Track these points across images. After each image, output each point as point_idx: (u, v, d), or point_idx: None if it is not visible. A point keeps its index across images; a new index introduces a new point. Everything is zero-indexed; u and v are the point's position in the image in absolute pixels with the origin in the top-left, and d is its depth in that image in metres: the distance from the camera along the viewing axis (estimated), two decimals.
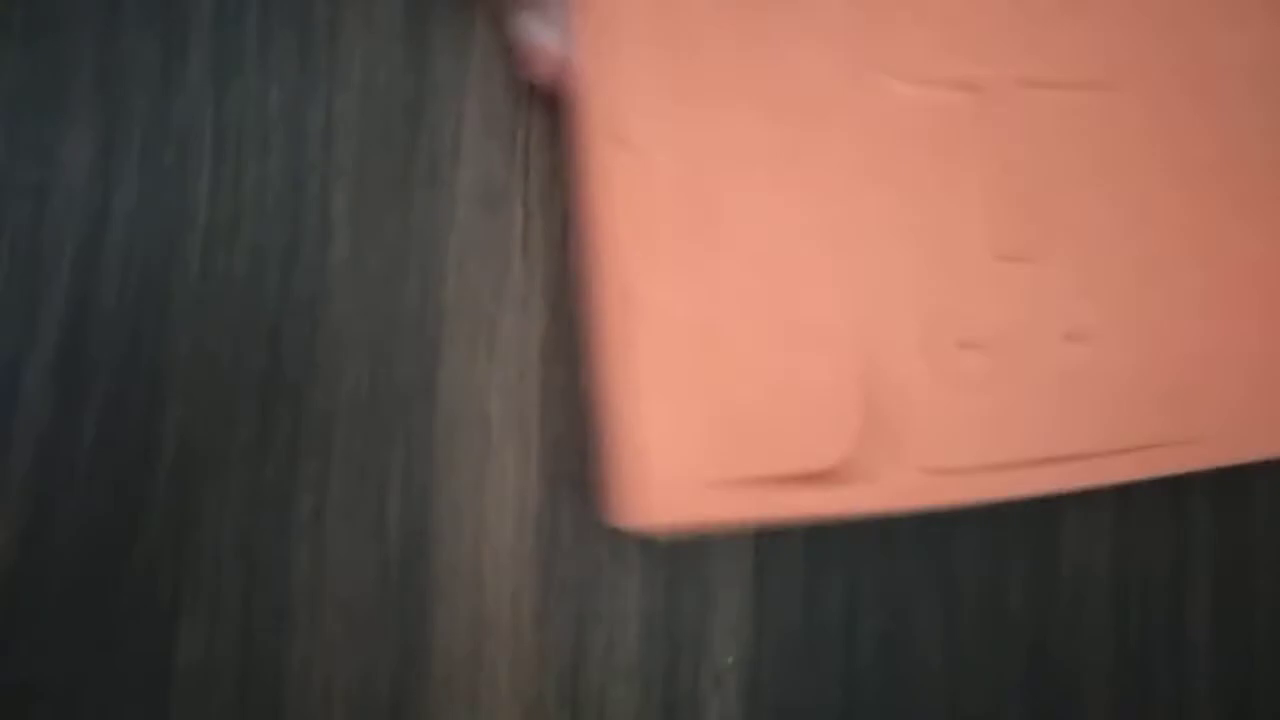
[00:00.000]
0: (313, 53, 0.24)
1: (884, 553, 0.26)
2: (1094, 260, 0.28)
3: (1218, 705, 0.27)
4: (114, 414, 0.22)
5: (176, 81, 0.23)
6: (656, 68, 0.24)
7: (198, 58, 0.23)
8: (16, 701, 0.22)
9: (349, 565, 0.23)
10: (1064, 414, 0.27)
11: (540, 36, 0.23)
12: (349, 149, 0.24)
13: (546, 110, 0.25)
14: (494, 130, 0.24)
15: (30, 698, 0.22)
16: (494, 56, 0.24)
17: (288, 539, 0.23)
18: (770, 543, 0.25)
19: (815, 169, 0.25)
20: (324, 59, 0.24)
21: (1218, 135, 0.29)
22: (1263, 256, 0.29)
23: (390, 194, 0.24)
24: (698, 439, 0.24)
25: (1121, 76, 0.28)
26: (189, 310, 0.23)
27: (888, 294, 0.26)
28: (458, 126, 0.25)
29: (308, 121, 0.24)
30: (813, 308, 0.25)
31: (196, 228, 0.23)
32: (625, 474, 0.23)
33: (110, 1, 0.23)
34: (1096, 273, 0.27)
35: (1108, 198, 0.28)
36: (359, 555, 0.23)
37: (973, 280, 0.26)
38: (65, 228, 0.22)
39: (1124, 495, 0.28)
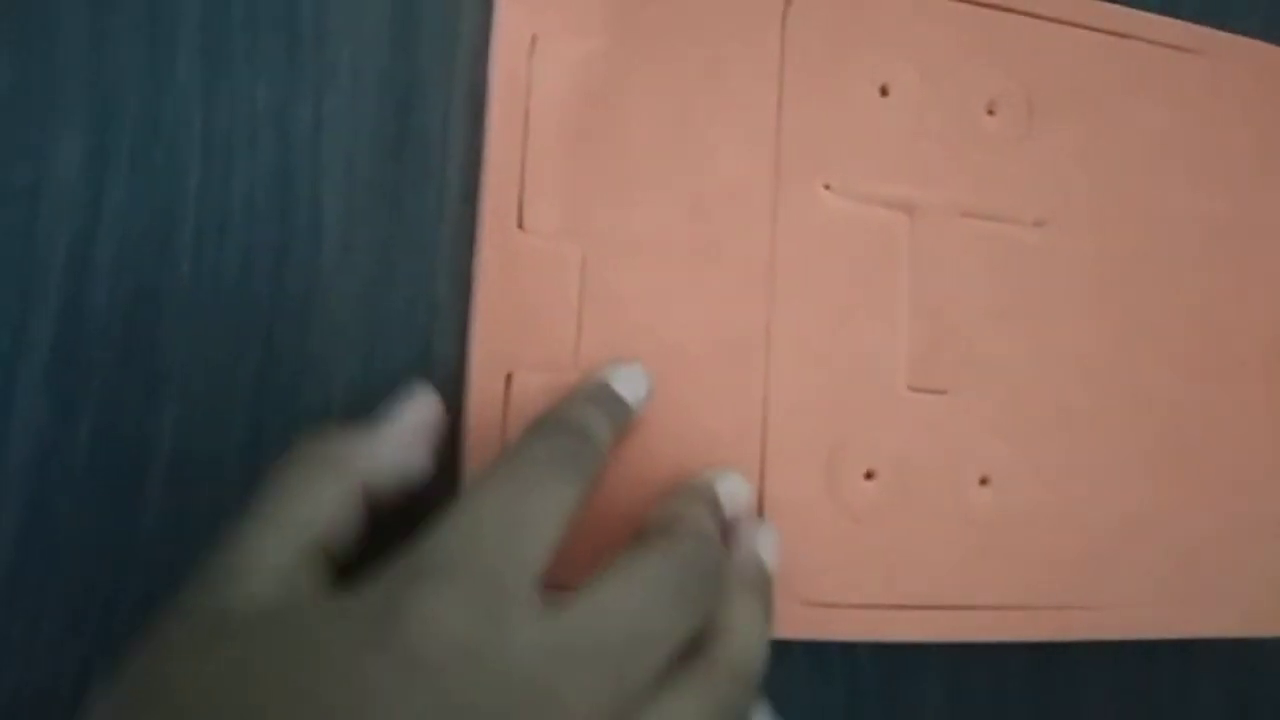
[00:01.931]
0: (300, 51, 0.24)
1: None
2: (1012, 401, 0.26)
3: None
4: (109, 413, 0.22)
5: (165, 82, 0.23)
6: (567, 154, 0.23)
7: (186, 58, 0.23)
8: (14, 704, 0.21)
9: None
10: (963, 560, 0.25)
11: None
12: (338, 146, 0.24)
13: None
14: (483, 124, 0.24)
15: (29, 700, 0.21)
16: (481, 51, 0.24)
17: None
18: None
19: (732, 272, 0.24)
20: (311, 57, 0.24)
21: (1163, 291, 0.28)
22: (1195, 422, 0.27)
23: (380, 190, 0.24)
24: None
25: (1065, 217, 0.27)
26: (181, 309, 0.23)
27: (795, 411, 0.24)
28: (446, 121, 0.24)
29: (296, 119, 0.24)
30: (711, 417, 0.24)
31: (187, 227, 0.23)
32: None
33: (99, 4, 0.23)
34: (1014, 415, 0.26)
35: (1034, 339, 0.26)
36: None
37: (885, 407, 0.25)
38: (57, 229, 0.22)
39: None
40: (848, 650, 0.26)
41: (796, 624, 0.24)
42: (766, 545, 0.22)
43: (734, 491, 0.22)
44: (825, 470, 0.25)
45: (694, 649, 0.18)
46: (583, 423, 0.20)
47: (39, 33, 0.22)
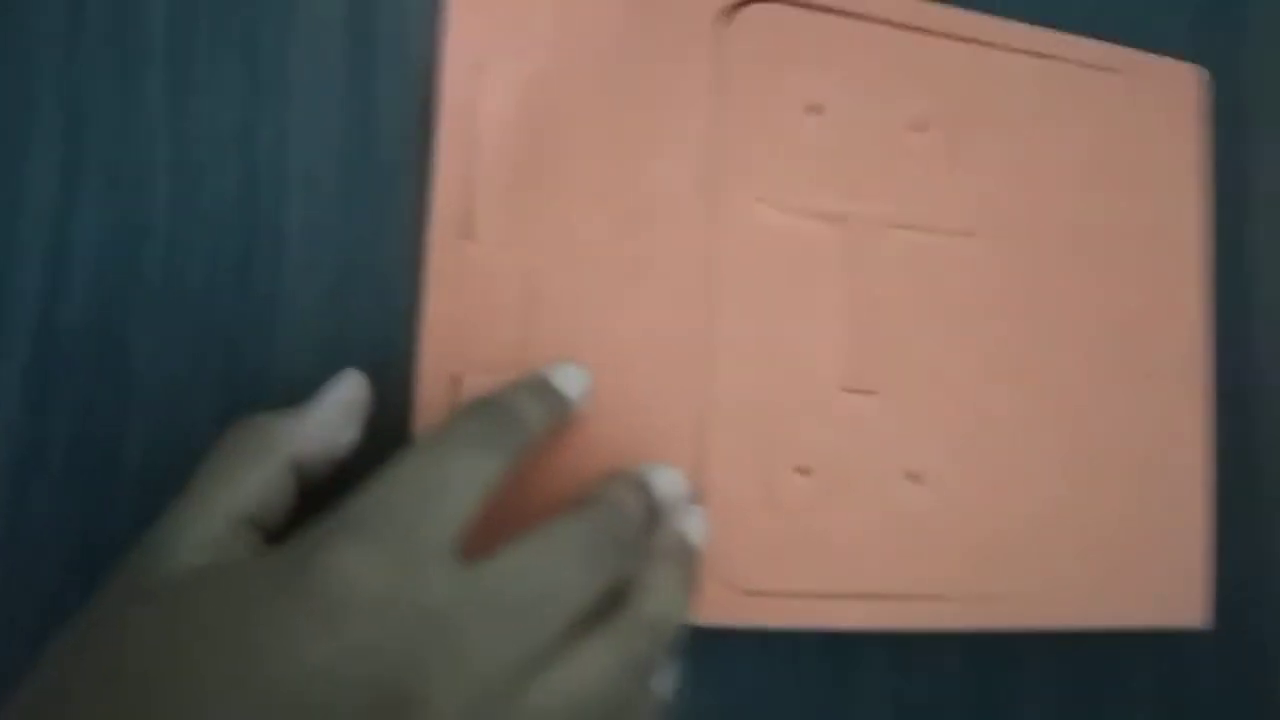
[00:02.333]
0: (262, 71, 0.25)
1: None
2: (941, 403, 0.27)
3: None
4: (83, 416, 0.23)
5: (134, 102, 0.24)
6: (512, 169, 0.25)
7: (153, 79, 0.24)
8: None
9: None
10: (892, 552, 0.27)
11: None
12: (299, 161, 0.25)
13: None
14: (434, 141, 0.25)
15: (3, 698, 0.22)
16: (432, 72, 0.25)
17: None
18: None
19: (670, 280, 0.26)
20: (273, 77, 0.25)
21: (1083, 297, 0.29)
22: (1112, 423, 0.29)
23: (339, 203, 0.25)
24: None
25: (989, 227, 0.28)
26: (151, 317, 0.24)
27: (732, 411, 0.26)
28: (400, 138, 0.26)
29: (259, 137, 0.25)
30: (651, 417, 0.25)
31: (156, 240, 0.24)
32: None
33: (70, 29, 0.24)
34: (942, 415, 0.27)
35: (961, 343, 0.28)
36: None
37: (817, 407, 0.26)
38: (33, 243, 0.23)
39: None
40: (792, 636, 0.27)
41: (735, 611, 0.25)
42: (693, 523, 0.23)
43: (667, 482, 0.23)
44: (762, 466, 0.26)
45: (613, 607, 0.20)
46: (513, 404, 0.21)
47: (12, 57, 0.24)
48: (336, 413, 0.22)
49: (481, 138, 0.25)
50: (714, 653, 0.26)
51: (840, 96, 0.27)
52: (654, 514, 0.23)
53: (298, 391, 0.24)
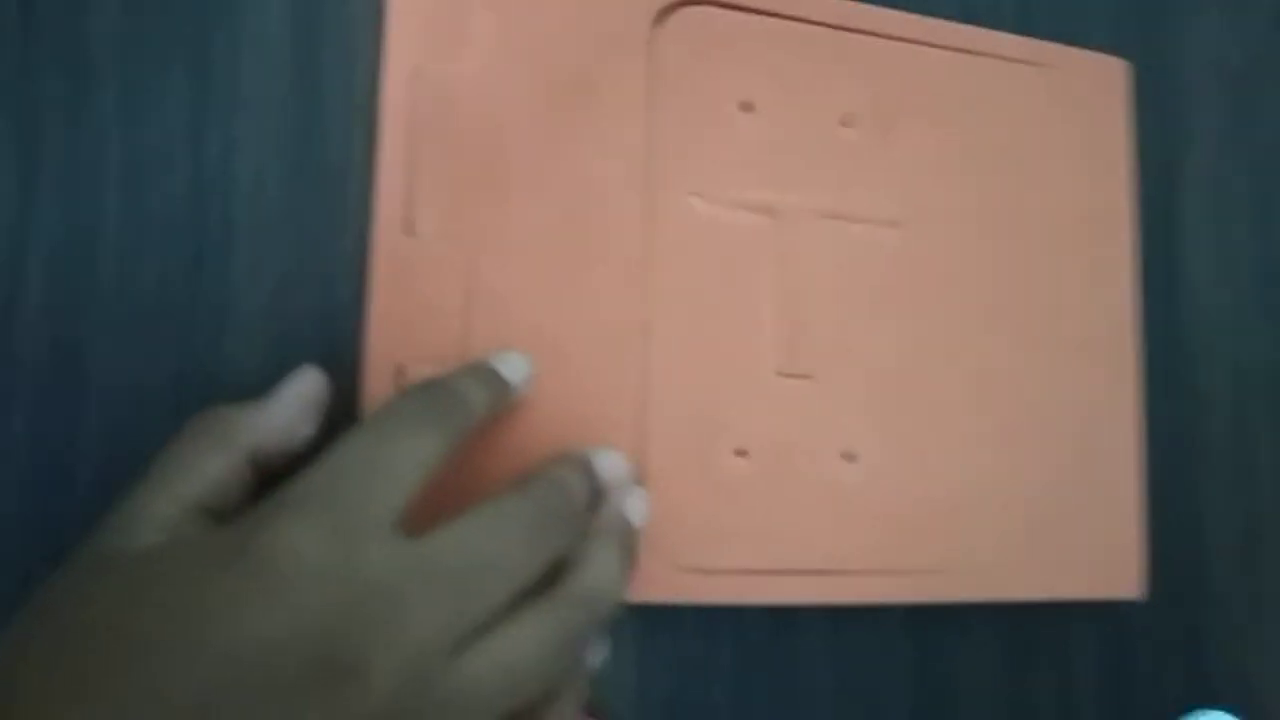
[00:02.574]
0: (210, 79, 0.26)
1: None
2: (873, 385, 0.28)
3: None
4: (41, 413, 0.24)
5: (86, 111, 0.25)
6: (453, 167, 0.26)
7: (105, 89, 0.25)
8: None
9: None
10: (829, 529, 0.28)
11: None
12: (247, 166, 0.26)
13: None
14: (376, 144, 0.26)
15: None
16: (375, 77, 0.26)
17: None
18: None
19: (608, 272, 0.27)
20: (221, 82, 0.26)
21: (1010, 281, 0.30)
22: (1044, 401, 0.30)
23: (285, 206, 0.26)
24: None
25: (918, 217, 0.29)
26: (105, 318, 0.25)
27: (671, 397, 0.27)
28: (344, 142, 0.26)
29: (207, 142, 0.26)
30: (592, 404, 0.26)
31: (109, 243, 0.25)
32: None
33: (21, 36, 0.25)
34: (874, 397, 0.28)
35: (892, 327, 0.29)
36: None
37: (754, 391, 0.27)
38: None
39: None
40: (735, 611, 0.28)
41: (676, 588, 0.26)
42: (633, 504, 0.24)
43: (609, 464, 0.24)
44: (701, 449, 0.27)
45: (550, 581, 0.20)
46: (456, 387, 0.22)
47: None
48: (296, 406, 0.23)
49: (423, 138, 0.26)
50: (656, 620, 0.27)
51: (771, 94, 0.28)
52: (596, 494, 0.24)
53: (249, 386, 0.25)
